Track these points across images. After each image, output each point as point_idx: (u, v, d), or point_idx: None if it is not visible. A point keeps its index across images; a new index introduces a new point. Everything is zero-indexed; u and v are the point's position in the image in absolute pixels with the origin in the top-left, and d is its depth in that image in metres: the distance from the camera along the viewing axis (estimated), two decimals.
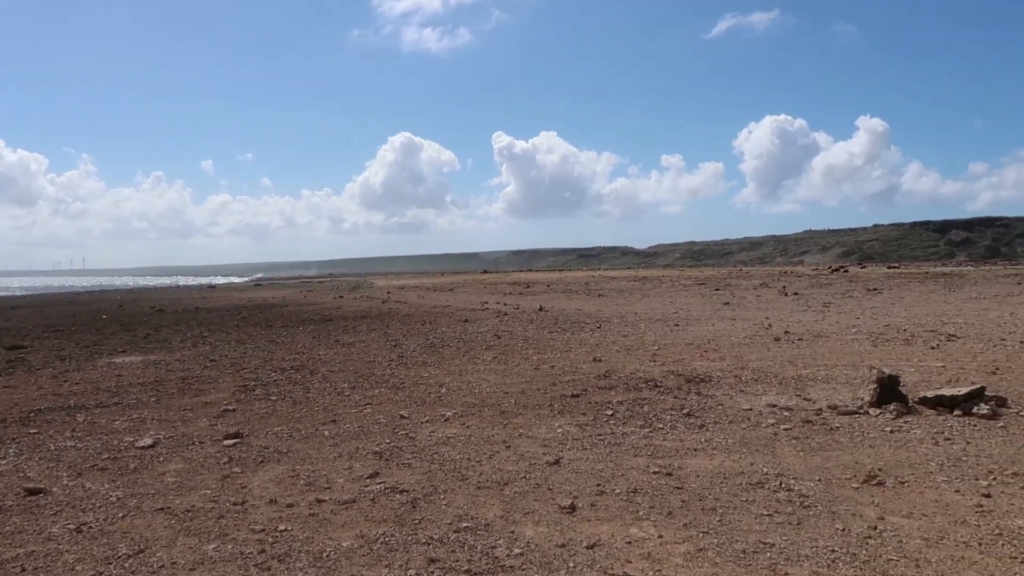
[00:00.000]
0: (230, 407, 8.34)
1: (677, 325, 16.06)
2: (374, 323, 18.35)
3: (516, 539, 4.41)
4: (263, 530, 4.61)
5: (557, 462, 5.93)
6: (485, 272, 70.75)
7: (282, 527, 4.66)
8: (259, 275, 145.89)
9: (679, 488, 5.26)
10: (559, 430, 6.97)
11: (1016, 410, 7.21)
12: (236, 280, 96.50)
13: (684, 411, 7.57)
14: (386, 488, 5.36)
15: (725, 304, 21.99)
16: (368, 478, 5.61)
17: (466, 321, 18.12)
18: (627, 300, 24.99)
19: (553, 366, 10.70)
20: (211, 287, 60.50)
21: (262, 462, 6.15)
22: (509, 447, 6.43)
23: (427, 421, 7.46)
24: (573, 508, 4.89)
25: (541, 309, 21.31)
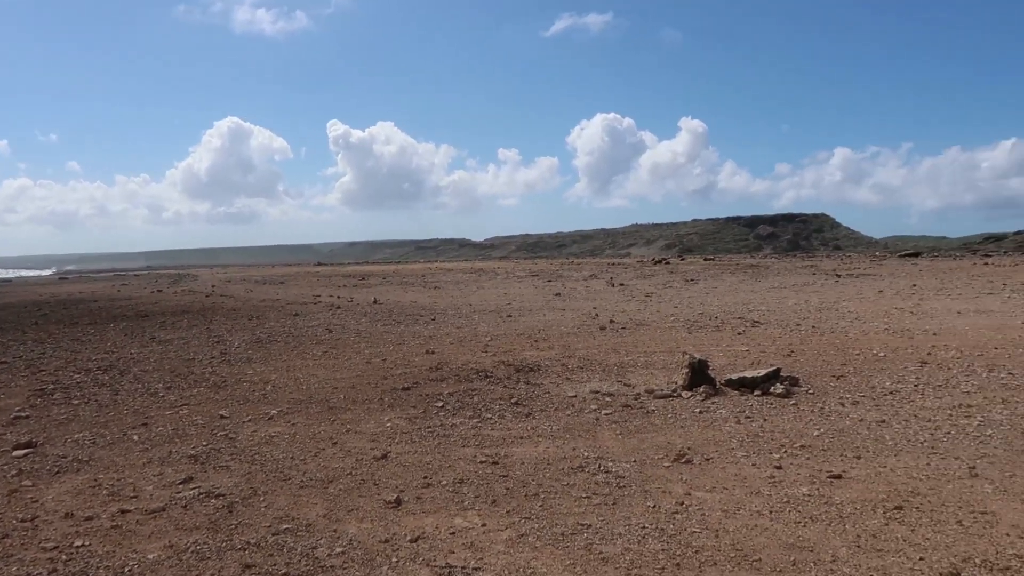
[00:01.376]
0: (23, 413, 7.55)
1: (510, 316, 16.39)
2: (196, 318, 17.28)
3: (338, 537, 4.31)
4: (56, 547, 4.21)
5: (385, 456, 5.86)
6: (319, 264, 68.77)
7: (79, 542, 4.27)
8: (68, 267, 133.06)
9: (504, 476, 5.36)
10: (388, 424, 6.90)
11: (806, 389, 7.99)
12: (36, 273, 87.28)
13: (513, 400, 7.74)
14: (200, 493, 5.07)
15: (556, 295, 22.71)
16: (181, 484, 5.28)
17: (296, 315, 17.51)
18: (462, 292, 25.19)
19: (385, 359, 10.58)
20: (6, 281, 54.34)
21: (58, 473, 5.62)
22: (336, 443, 6.28)
23: (249, 420, 7.13)
24: (399, 502, 4.85)
25: (376, 302, 21.02)
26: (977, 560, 3.85)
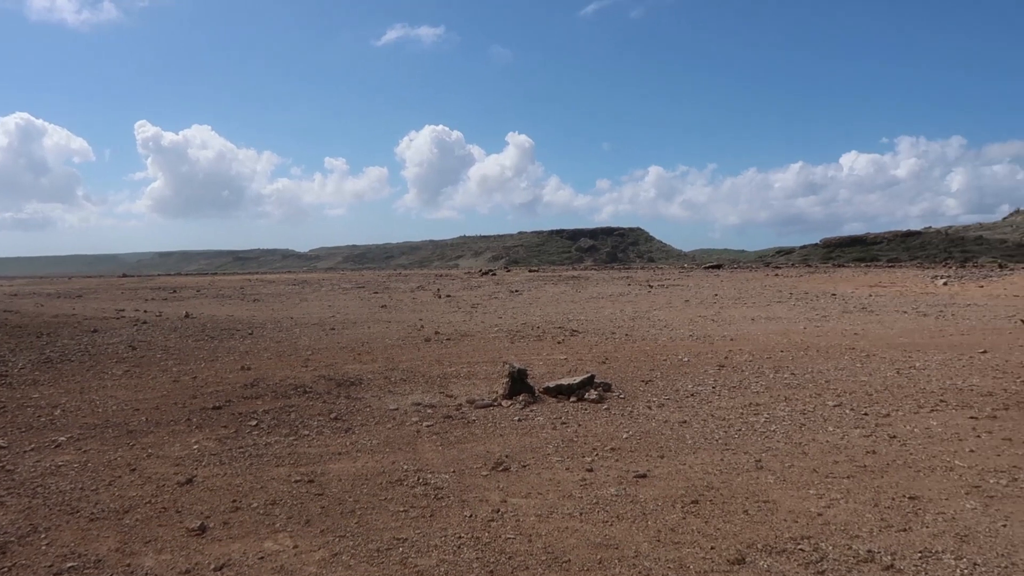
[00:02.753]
0: None
1: (333, 329, 15.97)
2: None
3: (132, 572, 3.98)
4: None
5: (190, 481, 5.50)
6: (124, 276, 63.50)
7: None
8: None
9: (320, 495, 5.20)
10: (195, 446, 6.48)
11: (618, 393, 8.42)
12: None
13: (332, 416, 7.54)
14: None
15: (382, 307, 22.44)
16: None
17: (95, 331, 16.04)
18: (284, 304, 24.24)
19: (195, 377, 9.94)
20: None
21: None
22: (134, 470, 5.81)
23: (32, 449, 6.43)
24: (203, 529, 4.56)
25: (187, 316, 19.71)
26: (759, 545, 4.23)
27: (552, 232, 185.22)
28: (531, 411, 7.64)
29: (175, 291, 31.88)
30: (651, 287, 29.41)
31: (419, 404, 8.01)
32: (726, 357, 10.91)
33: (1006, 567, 3.90)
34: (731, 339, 13.12)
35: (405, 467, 5.81)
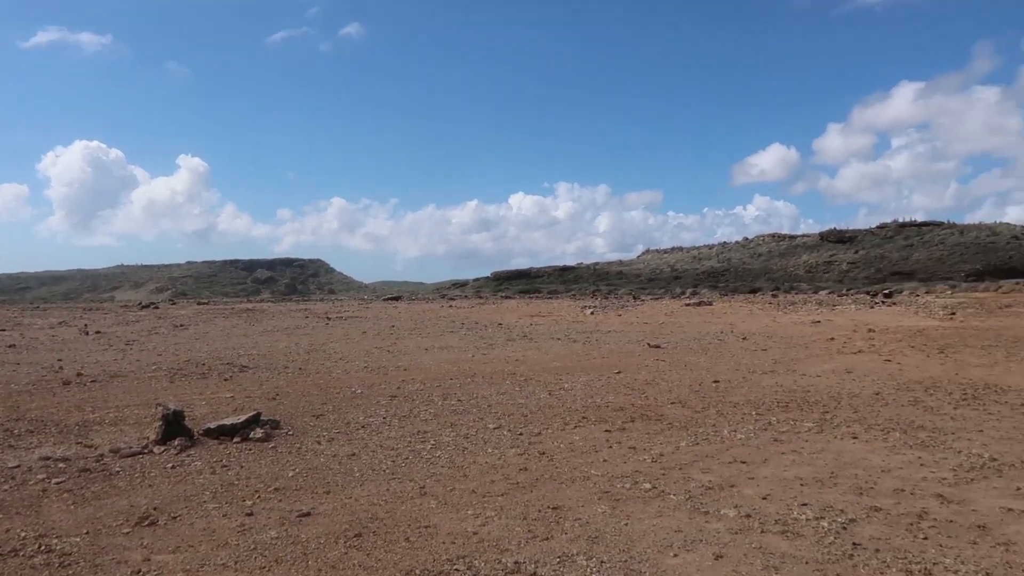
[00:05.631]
0: None
1: None
2: None
3: None
4: None
5: None
6: None
7: None
8: None
9: None
10: None
11: (287, 430, 8.11)
12: None
13: None
14: None
15: (10, 347, 19.16)
16: None
17: None
18: None
19: None
20: None
21: None
22: None
23: None
24: None
25: None
26: (418, 571, 4.32)
27: (226, 262, 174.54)
28: (188, 456, 7.02)
29: None
30: (329, 319, 29.08)
31: (48, 458, 6.92)
32: (398, 387, 11.13)
33: (626, 560, 4.45)
34: (405, 369, 13.43)
35: (23, 534, 4.95)
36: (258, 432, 7.73)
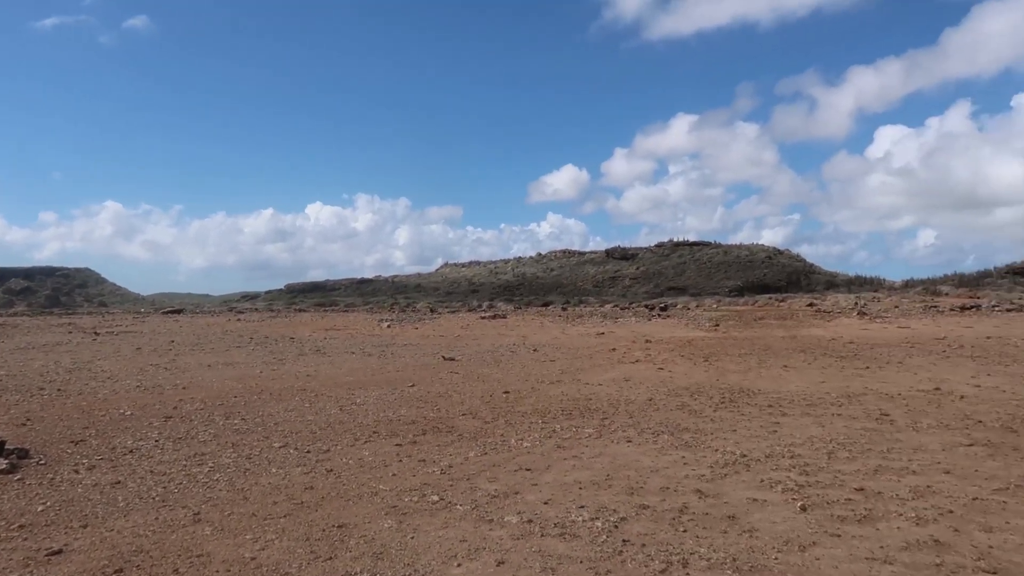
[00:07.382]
0: None
1: None
2: None
3: None
4: None
5: None
6: None
7: None
8: None
9: None
10: None
11: (37, 460, 7.25)
12: None
13: None
14: None
15: None
16: None
17: None
18: None
19: None
20: None
21: None
22: None
23: None
24: None
25: None
26: None
27: None
28: None
29: None
30: (98, 334, 26.43)
31: None
32: (175, 407, 10.35)
33: (410, 574, 4.46)
34: (184, 387, 12.53)
35: None
36: (2, 463, 6.84)
